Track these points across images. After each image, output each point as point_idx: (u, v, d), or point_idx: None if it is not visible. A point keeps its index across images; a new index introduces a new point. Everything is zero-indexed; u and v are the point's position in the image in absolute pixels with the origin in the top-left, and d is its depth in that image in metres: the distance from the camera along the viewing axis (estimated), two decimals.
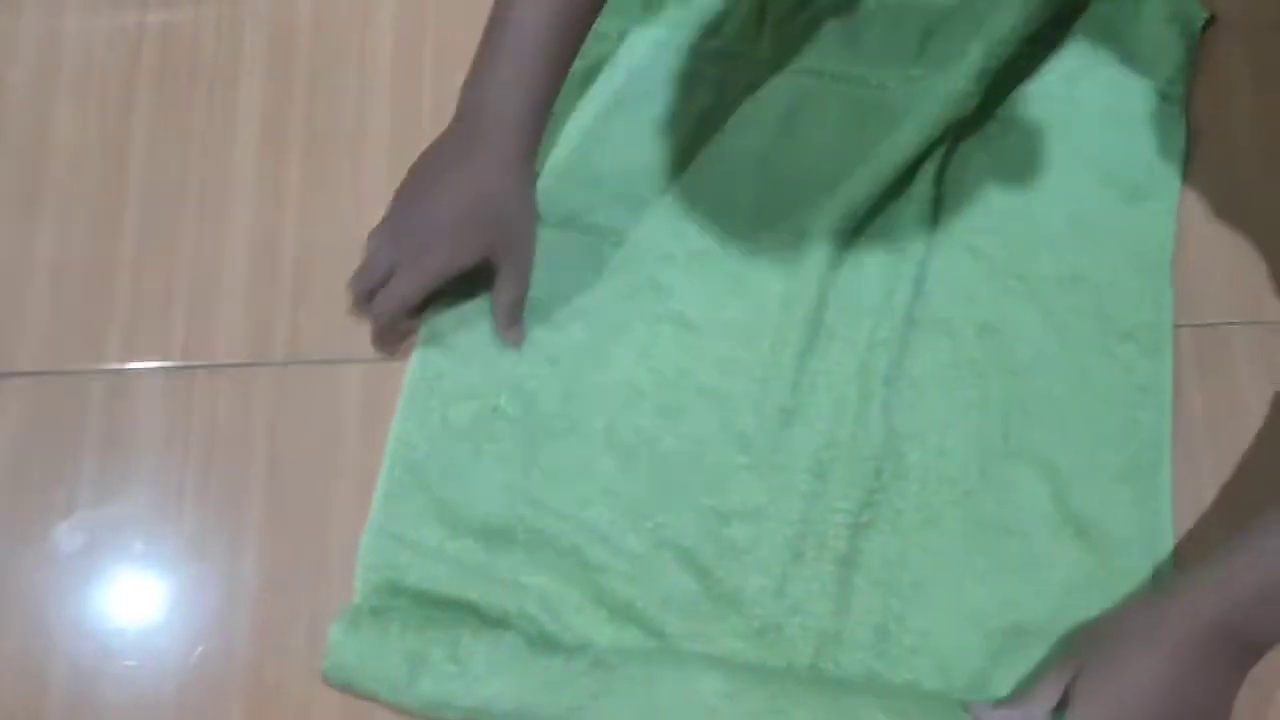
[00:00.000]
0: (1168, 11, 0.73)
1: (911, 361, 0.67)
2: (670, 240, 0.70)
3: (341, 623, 0.61)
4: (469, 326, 0.68)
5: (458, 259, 0.65)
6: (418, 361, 0.68)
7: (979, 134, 0.72)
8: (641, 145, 0.73)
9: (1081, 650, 0.58)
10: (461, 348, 0.68)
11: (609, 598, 0.62)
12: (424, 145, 0.71)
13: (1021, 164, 0.71)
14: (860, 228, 0.70)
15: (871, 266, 0.69)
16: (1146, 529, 0.63)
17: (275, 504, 0.66)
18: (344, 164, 0.73)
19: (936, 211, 0.70)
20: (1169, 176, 0.70)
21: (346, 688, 0.61)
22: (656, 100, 0.74)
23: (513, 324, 0.67)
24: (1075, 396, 0.66)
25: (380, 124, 0.73)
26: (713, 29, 0.76)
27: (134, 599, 0.64)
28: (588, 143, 0.73)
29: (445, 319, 0.68)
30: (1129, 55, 0.73)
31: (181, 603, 0.64)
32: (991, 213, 0.70)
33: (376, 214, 0.70)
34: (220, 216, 0.72)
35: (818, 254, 0.68)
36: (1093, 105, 0.72)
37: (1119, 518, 0.63)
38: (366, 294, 0.67)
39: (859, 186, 0.70)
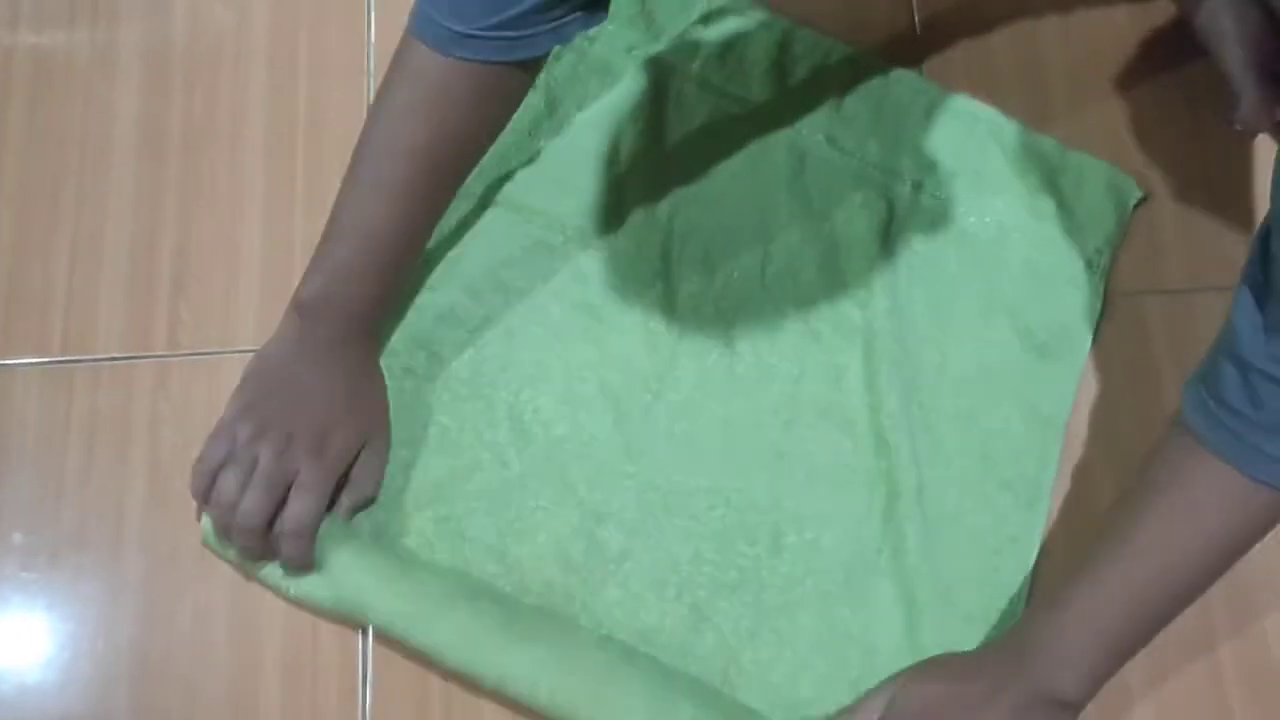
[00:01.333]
0: (1106, 182, 0.75)
1: (814, 448, 0.68)
2: (595, 233, 0.72)
3: None
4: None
5: (351, 444, 0.64)
6: None
7: (914, 256, 0.73)
8: (587, 136, 0.75)
9: (903, 680, 0.60)
10: None
11: (473, 569, 0.65)
12: (299, 144, 0.74)
13: (947, 298, 0.72)
14: (787, 289, 0.72)
15: (788, 333, 0.71)
16: None
17: (157, 493, 0.67)
18: (221, 162, 0.74)
19: (868, 313, 0.71)
20: (1078, 341, 0.72)
21: (219, 555, 0.64)
22: (616, 98, 0.76)
23: (356, 511, 0.65)
24: (946, 531, 0.67)
25: (256, 124, 0.75)
26: (710, 59, 0.77)
27: (13, 590, 0.65)
28: (534, 129, 0.75)
29: None
30: (1065, 216, 0.74)
31: (63, 592, 0.65)
32: (911, 331, 0.71)
33: (253, 210, 0.73)
34: (98, 215, 0.73)
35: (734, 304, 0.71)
36: (1020, 258, 0.73)
37: None
38: (262, 528, 0.61)
39: (792, 245, 0.73)
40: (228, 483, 0.61)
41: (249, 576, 0.64)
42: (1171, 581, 0.58)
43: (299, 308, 0.64)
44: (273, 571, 0.63)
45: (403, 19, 0.76)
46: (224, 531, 0.62)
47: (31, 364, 0.69)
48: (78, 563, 0.66)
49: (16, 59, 0.76)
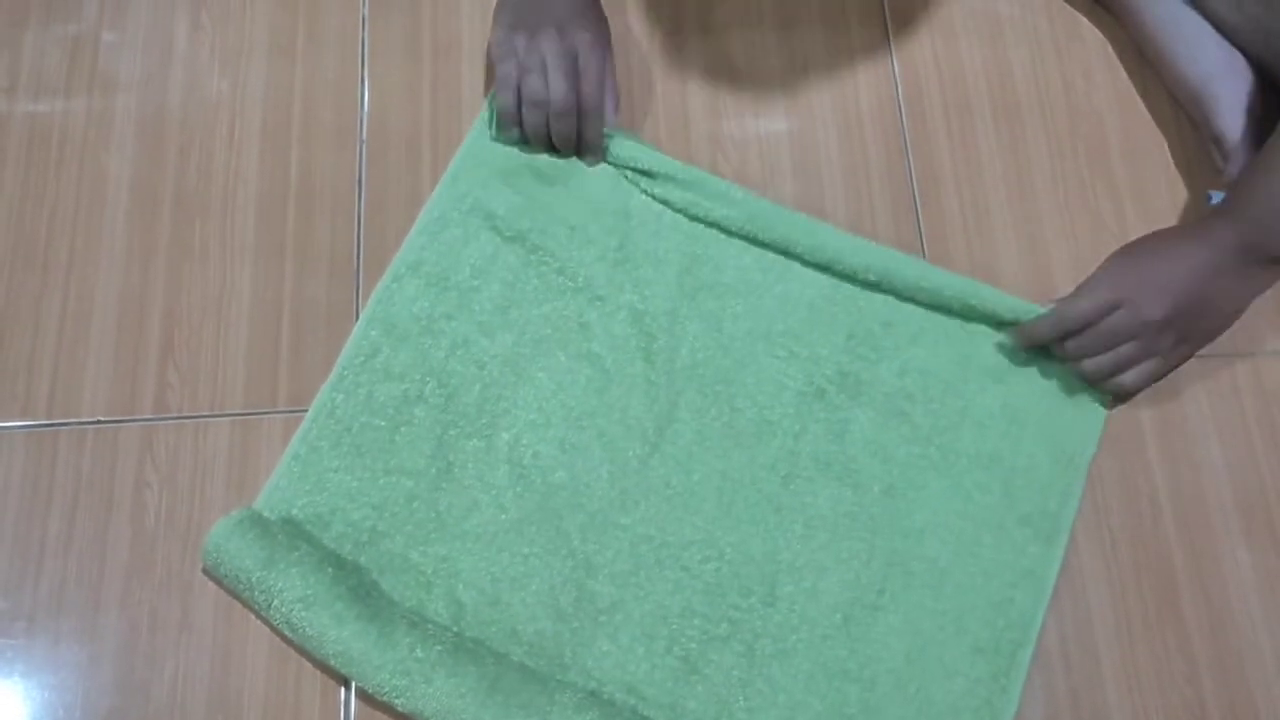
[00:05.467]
0: None
1: (812, 500, 0.68)
2: (604, 285, 0.73)
3: (227, 523, 0.65)
4: (413, 308, 0.71)
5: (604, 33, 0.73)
6: (356, 336, 0.70)
7: (932, 309, 0.73)
8: (602, 185, 0.75)
9: (1115, 256, 0.67)
10: (400, 330, 0.71)
11: (467, 613, 0.65)
12: (290, 211, 0.75)
13: (973, 352, 0.72)
14: (793, 350, 0.72)
15: (791, 391, 0.71)
16: (989, 703, 0.64)
17: (139, 558, 0.66)
18: (211, 228, 0.75)
19: (877, 371, 0.72)
20: None
21: (216, 581, 0.66)
22: (635, 151, 0.75)
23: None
24: (960, 564, 0.67)
25: (248, 190, 0.76)
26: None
27: None
28: (553, 170, 0.75)
29: (394, 298, 0.71)
30: None
31: (41, 658, 0.64)
32: (929, 384, 0.71)
33: (242, 275, 0.73)
34: (88, 279, 0.73)
35: (734, 360, 0.71)
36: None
37: (962, 688, 0.65)
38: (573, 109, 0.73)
39: (800, 299, 0.73)
40: (532, 85, 0.72)
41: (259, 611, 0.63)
42: None
43: None
44: (280, 608, 0.62)
45: (396, 91, 0.79)
46: (535, 134, 0.74)
47: (16, 427, 0.69)
48: (56, 629, 0.65)
49: (13, 126, 0.77)
